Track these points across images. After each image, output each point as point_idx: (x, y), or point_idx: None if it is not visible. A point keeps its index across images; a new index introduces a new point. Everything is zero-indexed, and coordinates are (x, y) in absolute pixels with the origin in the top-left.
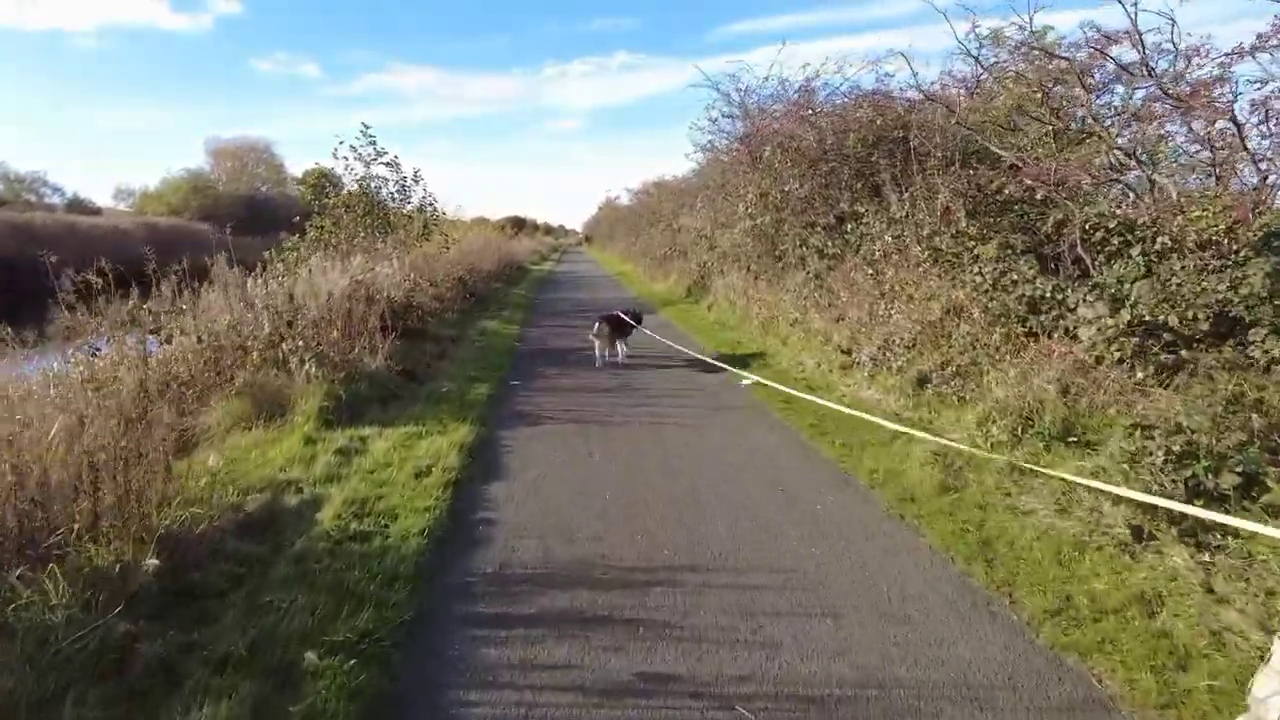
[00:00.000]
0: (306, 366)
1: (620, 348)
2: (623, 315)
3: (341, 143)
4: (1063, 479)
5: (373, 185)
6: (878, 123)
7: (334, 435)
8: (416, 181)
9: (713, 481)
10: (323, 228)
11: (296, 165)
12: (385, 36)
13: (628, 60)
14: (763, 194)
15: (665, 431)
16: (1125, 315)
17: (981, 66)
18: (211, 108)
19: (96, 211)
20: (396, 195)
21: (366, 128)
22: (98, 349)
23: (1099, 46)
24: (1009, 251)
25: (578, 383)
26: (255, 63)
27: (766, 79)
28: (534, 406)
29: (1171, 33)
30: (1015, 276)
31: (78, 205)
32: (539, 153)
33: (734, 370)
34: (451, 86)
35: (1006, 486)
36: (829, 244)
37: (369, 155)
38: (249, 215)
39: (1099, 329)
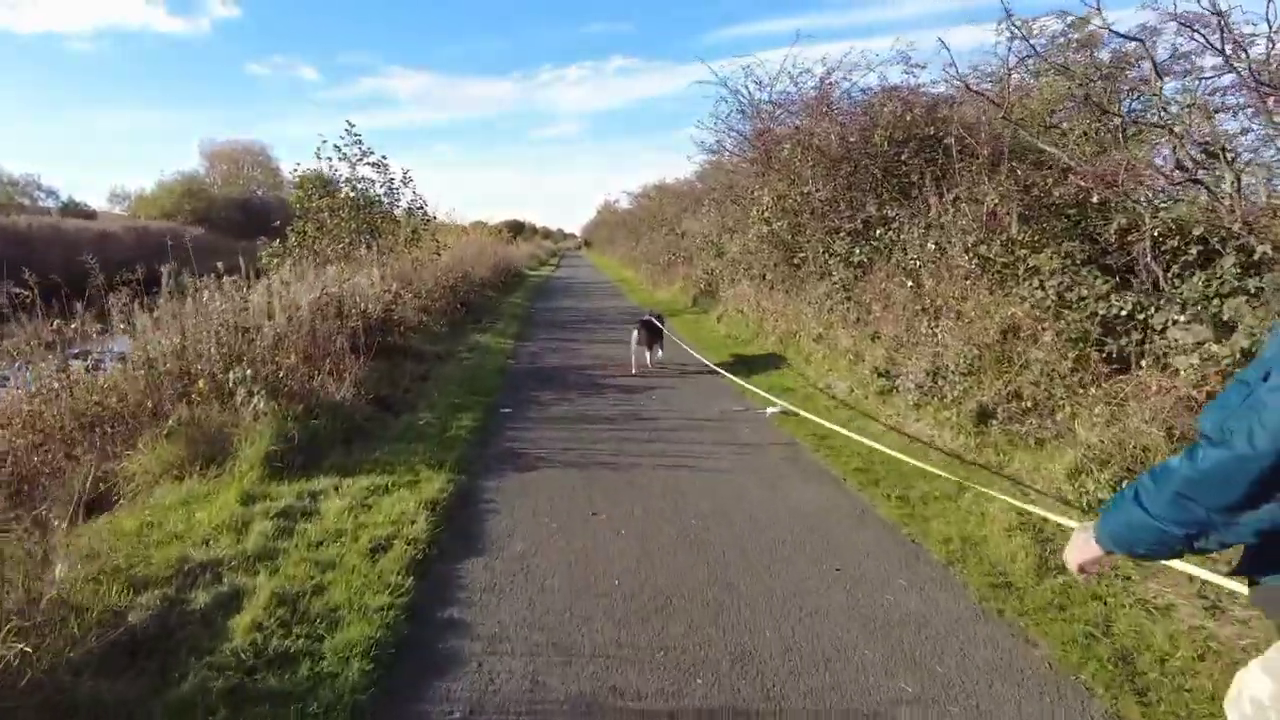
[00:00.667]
0: (255, 400)
1: (658, 352)
2: (654, 320)
3: (325, 142)
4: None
5: (359, 187)
6: (907, 118)
7: (280, 489)
8: (405, 183)
9: (750, 559)
10: (304, 232)
11: (293, 168)
12: (382, 40)
13: (624, 64)
14: (779, 197)
15: (682, 480)
16: (1241, 341)
17: (1016, 58)
18: (209, 111)
19: (91, 215)
20: (384, 198)
21: (351, 126)
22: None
23: (1184, 21)
24: (1069, 262)
25: (577, 410)
26: (253, 66)
27: (780, 74)
28: (526, 443)
29: (1267, 11)
30: (1084, 291)
31: (72, 209)
32: (537, 157)
33: (753, 389)
34: (448, 90)
35: (1125, 567)
36: (855, 251)
37: (355, 155)
38: (244, 218)
39: (1202, 357)
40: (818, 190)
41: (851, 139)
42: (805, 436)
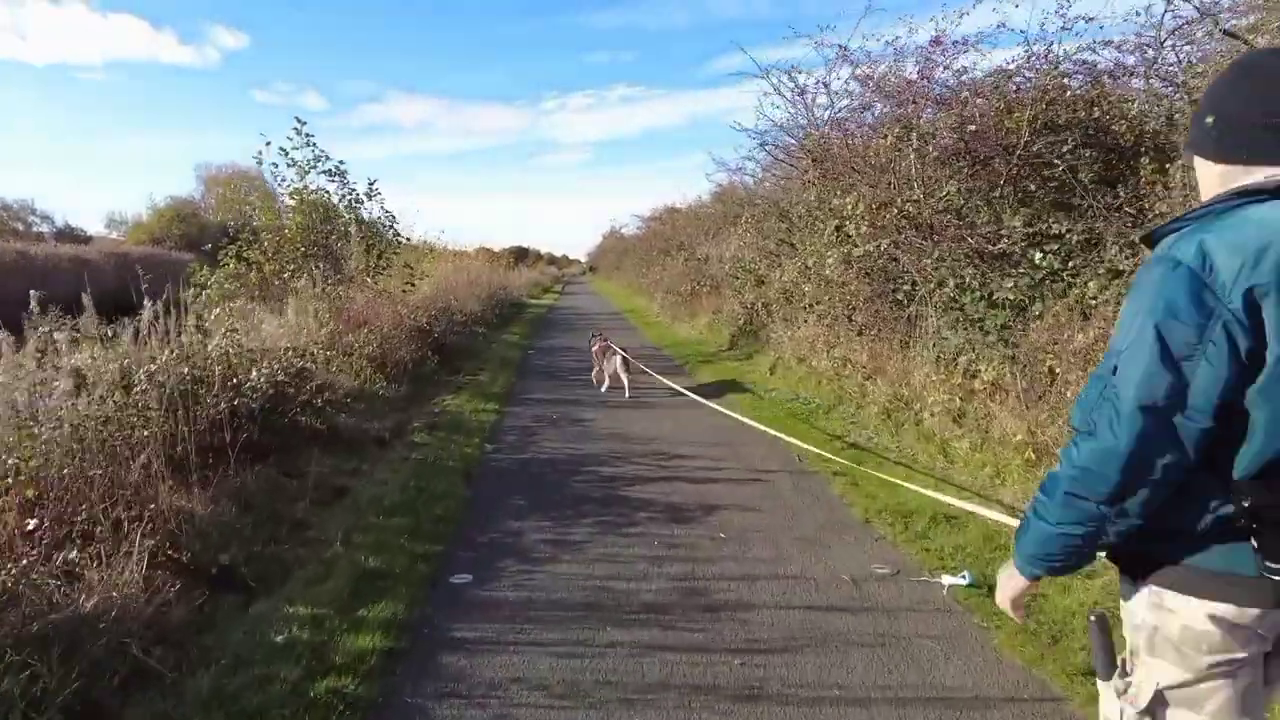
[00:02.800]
0: None
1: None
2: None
3: (269, 143)
4: None
5: (311, 199)
6: (1065, 95)
7: None
8: (370, 196)
9: None
10: (246, 259)
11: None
12: (386, 68)
13: (627, 93)
14: (878, 207)
15: None
16: None
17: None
18: (215, 138)
19: (86, 240)
20: (345, 213)
21: (301, 123)
22: None
23: None
24: None
25: (592, 570)
26: (259, 94)
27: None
28: (487, 696)
29: None
30: None
31: (68, 234)
32: (541, 184)
33: (886, 518)
34: (452, 117)
35: None
36: (1004, 282)
37: (306, 161)
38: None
39: None
40: (942, 197)
41: (971, 127)
42: (1059, 673)
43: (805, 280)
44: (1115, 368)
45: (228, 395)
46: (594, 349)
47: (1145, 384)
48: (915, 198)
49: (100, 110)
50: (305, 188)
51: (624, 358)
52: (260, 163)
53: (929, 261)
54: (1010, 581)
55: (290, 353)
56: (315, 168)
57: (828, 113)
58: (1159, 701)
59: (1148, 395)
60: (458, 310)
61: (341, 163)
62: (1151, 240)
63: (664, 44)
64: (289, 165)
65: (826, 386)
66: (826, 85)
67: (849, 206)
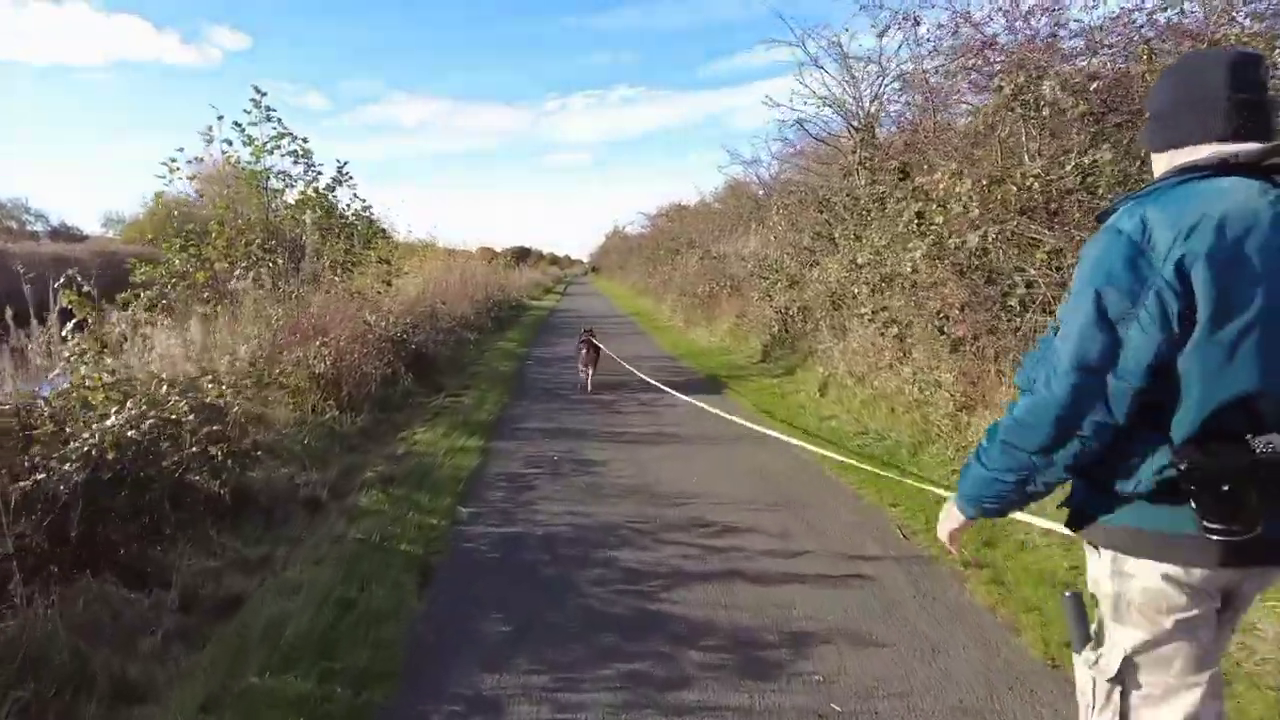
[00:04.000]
0: None
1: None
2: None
3: (220, 118)
4: None
5: (271, 183)
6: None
7: None
8: (340, 182)
9: None
10: (198, 255)
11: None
12: (387, 68)
13: (628, 94)
14: (993, 182)
15: None
16: None
17: None
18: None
19: (82, 239)
20: (313, 202)
21: (260, 94)
22: None
23: None
24: None
25: None
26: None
27: None
28: None
29: None
30: None
31: (63, 232)
32: (543, 184)
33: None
34: (454, 117)
35: None
36: None
37: (265, 139)
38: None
39: None
40: (1077, 167)
41: (1096, 84)
42: None
43: (856, 281)
44: (1057, 329)
45: (67, 453)
46: (580, 348)
47: (1080, 344)
48: (1035, 171)
49: (102, 110)
50: (263, 170)
51: (590, 350)
52: (209, 140)
53: (1042, 255)
54: (950, 517)
55: (194, 383)
56: (278, 147)
57: (880, 83)
58: (1128, 667)
59: (1082, 355)
60: (446, 315)
61: (305, 141)
62: (1106, 217)
63: (664, 45)
64: (245, 143)
65: (904, 417)
66: (879, 60)
67: (947, 186)
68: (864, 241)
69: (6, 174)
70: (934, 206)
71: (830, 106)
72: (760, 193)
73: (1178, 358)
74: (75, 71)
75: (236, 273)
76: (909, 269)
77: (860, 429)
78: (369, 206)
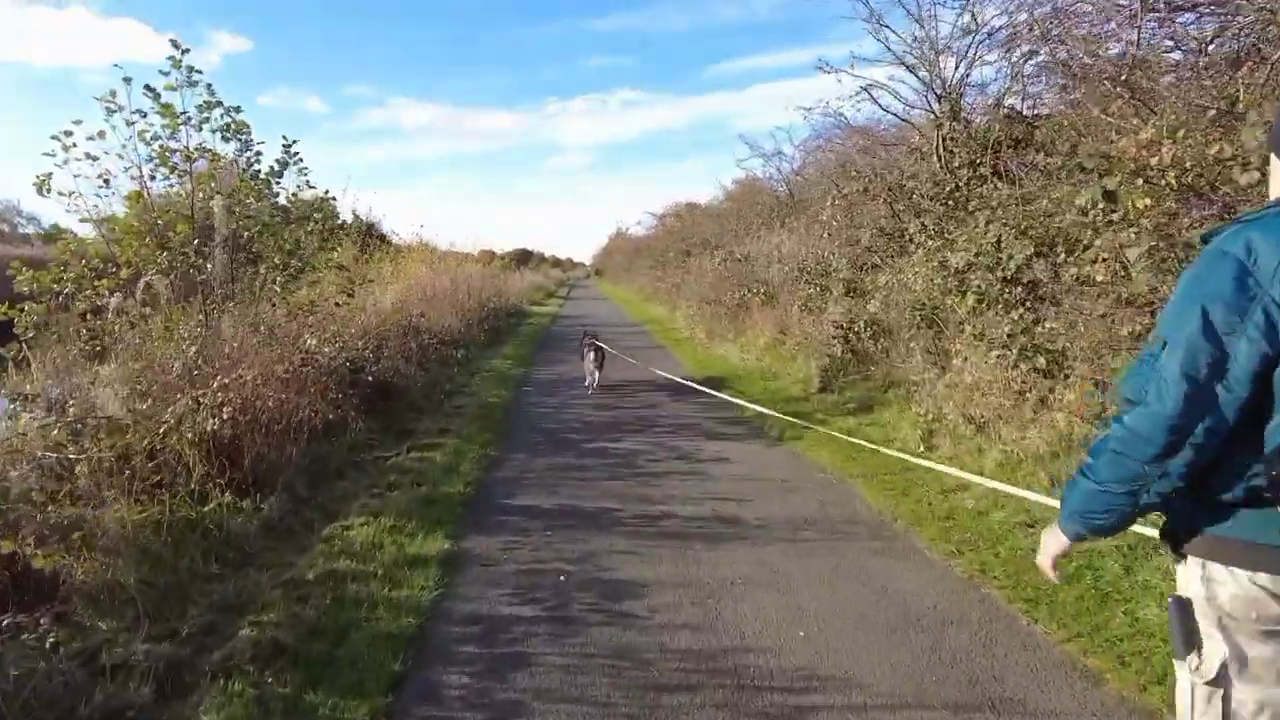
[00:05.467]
0: None
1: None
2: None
3: (127, 81)
4: None
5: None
6: None
7: None
8: (290, 163)
9: None
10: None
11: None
12: (387, 72)
13: (628, 97)
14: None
15: None
16: None
17: None
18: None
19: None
20: (253, 190)
21: (182, 50)
22: None
23: None
24: None
25: None
26: (261, 98)
27: None
28: None
29: None
30: None
31: (55, 235)
32: (545, 187)
33: None
34: (454, 121)
35: None
36: None
37: (192, 113)
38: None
39: None
40: None
41: None
42: None
43: (950, 290)
44: (1164, 344)
45: None
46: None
47: (1189, 356)
48: None
49: (102, 113)
50: (189, 149)
51: (597, 350)
52: (112, 110)
53: None
54: (1052, 540)
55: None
56: (206, 122)
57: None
58: (1225, 672)
59: (1192, 366)
60: (428, 330)
61: (238, 111)
62: (1208, 240)
63: (664, 48)
64: (159, 113)
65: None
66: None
67: (1173, 153)
68: (960, 237)
69: (8, 176)
70: (1138, 184)
71: (908, 67)
72: (782, 188)
73: (1276, 371)
74: (77, 74)
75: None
76: (1096, 273)
77: (1012, 510)
78: (328, 197)
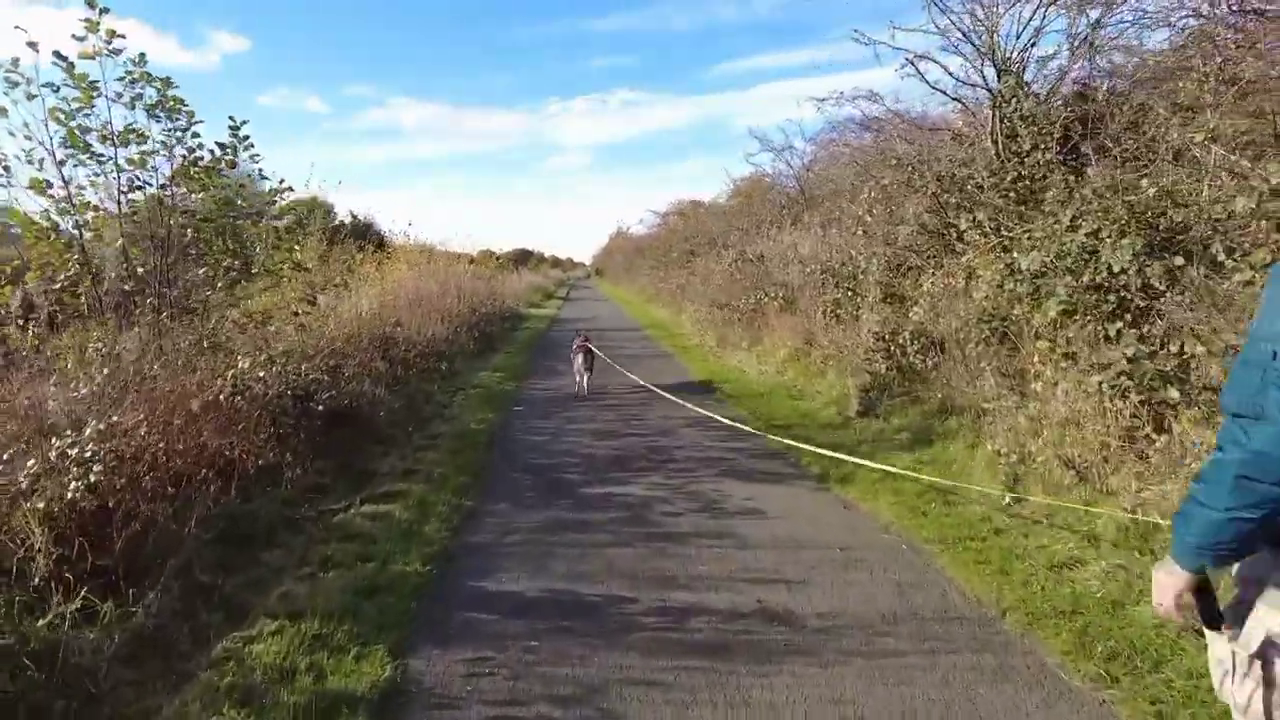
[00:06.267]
0: None
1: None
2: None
3: (33, 44)
4: None
5: (118, 149)
6: None
7: None
8: (233, 150)
9: None
10: None
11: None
12: (387, 72)
13: (628, 97)
14: None
15: None
16: None
17: None
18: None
19: None
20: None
21: (98, 8)
22: None
23: None
24: None
25: None
26: (261, 98)
27: None
28: None
29: None
30: None
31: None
32: (545, 187)
33: None
34: (454, 121)
35: None
36: None
37: (121, 86)
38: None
39: None
40: None
41: None
42: None
43: (1029, 299)
44: (1275, 353)
45: None
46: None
47: None
48: None
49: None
50: (100, 129)
51: (587, 353)
52: (14, 84)
53: None
54: (1170, 579)
55: None
56: (139, 97)
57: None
58: (1270, 644)
59: None
60: (405, 342)
61: (170, 84)
62: None
63: (664, 48)
64: (70, 83)
65: None
66: None
67: None
68: (1027, 235)
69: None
70: None
71: (962, 33)
72: (793, 184)
73: None
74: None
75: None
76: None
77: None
78: (284, 187)
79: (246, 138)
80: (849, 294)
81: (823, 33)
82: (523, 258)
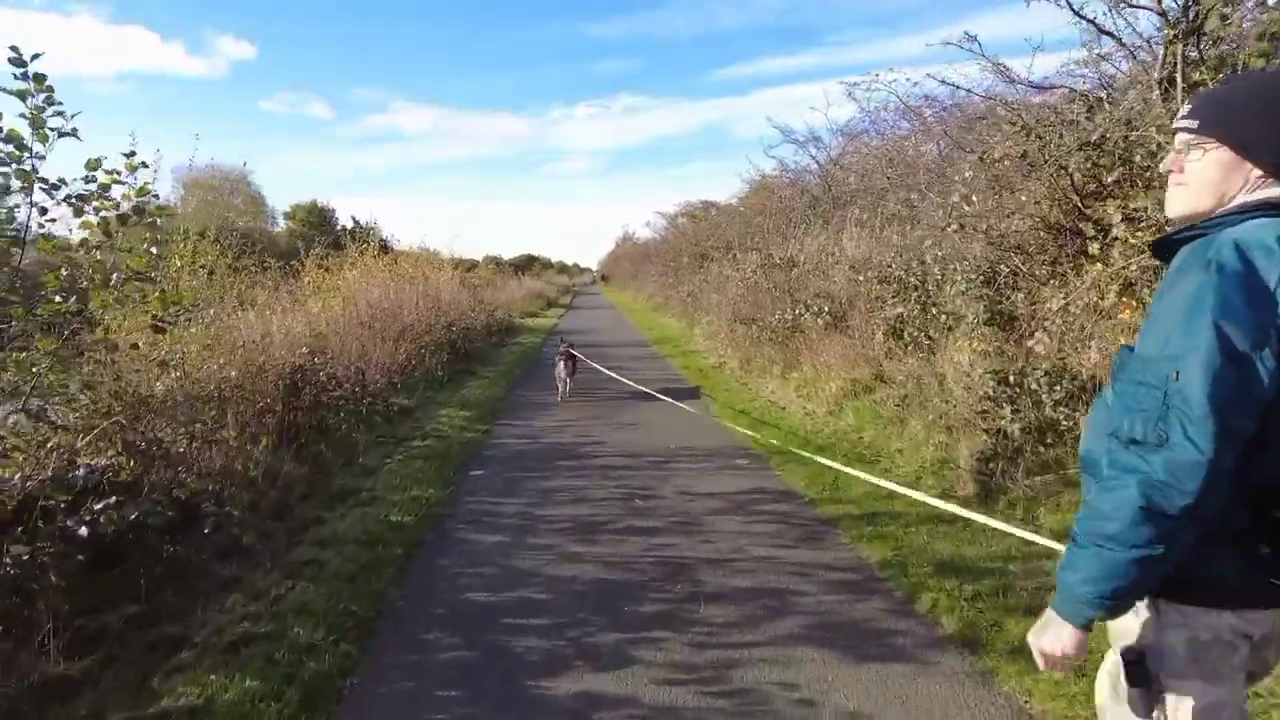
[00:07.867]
0: None
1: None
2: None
3: None
4: None
5: None
6: None
7: None
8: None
9: None
10: None
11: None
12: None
13: (632, 102)
14: None
15: None
16: None
17: None
18: (223, 146)
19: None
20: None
21: None
22: None
23: None
24: None
25: None
26: (266, 104)
27: None
28: None
29: None
30: None
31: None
32: (549, 193)
33: None
34: (457, 125)
35: None
36: None
37: None
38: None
39: None
40: None
41: None
42: None
43: None
44: (1176, 374)
45: None
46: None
47: (1217, 385)
48: None
49: (110, 120)
50: None
51: (569, 358)
52: None
53: None
54: (1059, 635)
55: None
56: None
57: None
58: (1199, 717)
59: (1220, 396)
60: (329, 379)
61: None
62: (1163, 247)
63: (668, 53)
64: None
65: None
66: None
67: None
68: None
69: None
70: None
71: None
72: (816, 181)
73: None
74: (85, 82)
75: None
76: None
77: None
78: (137, 160)
79: (52, 92)
80: (920, 309)
81: (824, 36)
82: (526, 264)
